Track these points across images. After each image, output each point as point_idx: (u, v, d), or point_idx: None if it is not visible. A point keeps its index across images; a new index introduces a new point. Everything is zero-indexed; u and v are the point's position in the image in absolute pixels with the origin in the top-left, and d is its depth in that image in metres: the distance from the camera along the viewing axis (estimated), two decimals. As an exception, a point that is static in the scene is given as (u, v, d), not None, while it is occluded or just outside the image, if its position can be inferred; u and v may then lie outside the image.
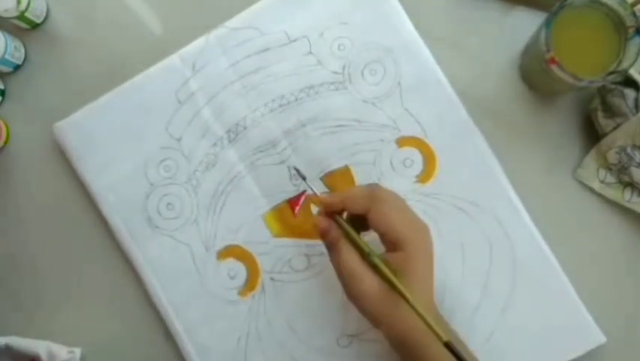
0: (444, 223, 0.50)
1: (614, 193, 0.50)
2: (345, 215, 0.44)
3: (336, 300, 0.51)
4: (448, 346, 0.37)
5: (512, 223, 0.50)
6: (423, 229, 0.42)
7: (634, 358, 0.50)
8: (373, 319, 0.42)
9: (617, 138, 0.48)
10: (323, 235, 0.43)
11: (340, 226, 0.43)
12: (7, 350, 0.51)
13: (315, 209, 0.51)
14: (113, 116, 0.53)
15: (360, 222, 0.43)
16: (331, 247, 0.43)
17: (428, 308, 0.40)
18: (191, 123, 0.52)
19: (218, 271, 0.52)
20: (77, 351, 0.52)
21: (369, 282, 0.40)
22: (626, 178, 0.49)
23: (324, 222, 0.43)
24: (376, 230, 0.42)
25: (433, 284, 0.42)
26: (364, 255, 0.41)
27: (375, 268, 0.41)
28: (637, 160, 0.48)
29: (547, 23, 0.44)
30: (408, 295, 0.38)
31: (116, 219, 0.52)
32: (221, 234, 0.52)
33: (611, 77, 0.44)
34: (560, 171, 0.51)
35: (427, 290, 0.41)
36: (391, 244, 0.41)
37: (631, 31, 0.44)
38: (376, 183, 0.47)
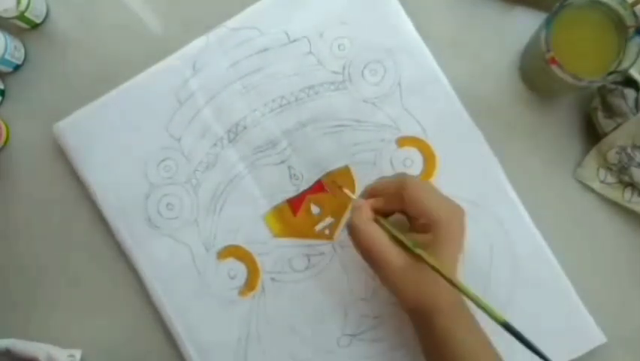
0: (444, 223, 0.50)
1: (614, 193, 0.50)
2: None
3: (337, 300, 0.51)
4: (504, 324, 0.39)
5: (512, 223, 0.50)
6: (457, 212, 0.44)
7: (634, 358, 0.50)
8: (396, 288, 0.44)
9: (618, 138, 0.48)
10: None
11: (382, 226, 0.44)
12: (7, 353, 0.51)
13: (315, 209, 0.51)
14: (113, 117, 0.52)
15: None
16: (360, 227, 0.44)
17: None
18: (191, 123, 0.52)
19: (219, 271, 0.52)
20: (77, 354, 0.52)
21: (395, 258, 0.42)
22: (626, 178, 0.49)
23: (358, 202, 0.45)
24: (411, 214, 0.44)
25: (456, 267, 0.43)
26: (405, 247, 0.43)
27: (413, 254, 0.42)
28: (637, 160, 0.48)
29: (547, 23, 0.44)
30: (443, 270, 0.41)
31: (116, 219, 0.52)
32: (221, 234, 0.52)
33: (611, 77, 0.44)
34: (560, 171, 0.51)
35: (450, 271, 0.42)
36: (423, 226, 0.43)
37: (631, 31, 0.44)
38: (403, 172, 0.49)
